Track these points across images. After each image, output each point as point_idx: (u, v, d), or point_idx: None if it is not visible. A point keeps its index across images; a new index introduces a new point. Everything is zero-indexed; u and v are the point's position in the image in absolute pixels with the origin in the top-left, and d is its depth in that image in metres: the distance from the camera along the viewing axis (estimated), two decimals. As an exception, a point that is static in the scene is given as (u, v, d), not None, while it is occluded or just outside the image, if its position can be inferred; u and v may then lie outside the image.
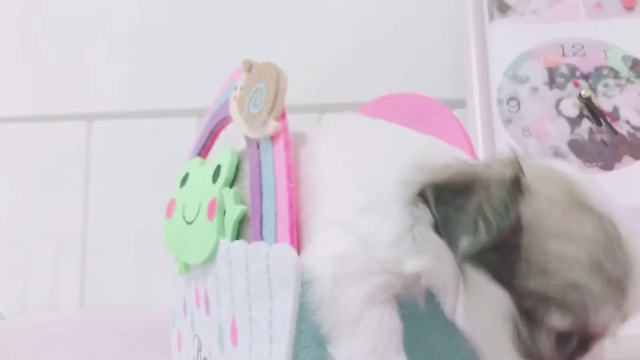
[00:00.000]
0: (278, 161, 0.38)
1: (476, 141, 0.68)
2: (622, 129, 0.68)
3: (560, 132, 0.69)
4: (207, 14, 0.94)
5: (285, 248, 0.36)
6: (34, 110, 0.99)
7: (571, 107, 0.70)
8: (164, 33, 0.95)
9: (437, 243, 0.34)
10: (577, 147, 0.68)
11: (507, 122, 0.71)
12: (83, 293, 0.93)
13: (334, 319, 0.35)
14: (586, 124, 0.69)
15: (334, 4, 0.90)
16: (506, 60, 0.73)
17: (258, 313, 0.38)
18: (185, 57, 0.94)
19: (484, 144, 0.69)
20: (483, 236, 0.31)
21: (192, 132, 0.83)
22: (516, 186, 0.32)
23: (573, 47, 0.72)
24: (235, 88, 0.45)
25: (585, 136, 0.68)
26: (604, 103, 0.69)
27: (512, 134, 0.70)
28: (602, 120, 0.68)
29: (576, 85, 0.70)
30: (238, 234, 0.41)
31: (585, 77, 0.71)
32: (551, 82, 0.71)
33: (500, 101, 0.72)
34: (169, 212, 0.50)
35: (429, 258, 0.34)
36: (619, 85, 0.69)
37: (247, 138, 0.42)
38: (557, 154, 0.67)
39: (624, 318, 0.32)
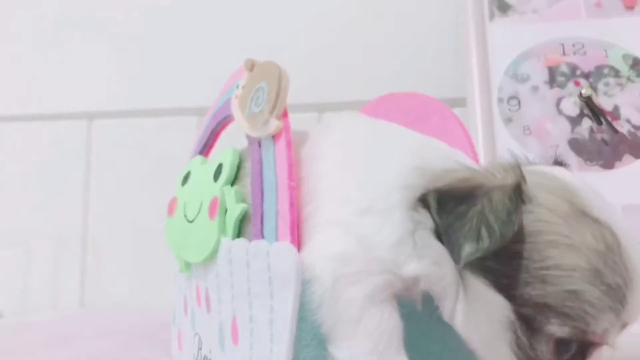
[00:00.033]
0: (279, 160, 0.38)
1: (476, 140, 0.68)
2: (623, 128, 0.68)
3: (560, 131, 0.69)
4: (208, 13, 0.94)
5: (286, 246, 0.36)
6: (34, 109, 0.99)
7: (572, 106, 0.70)
8: (165, 32, 0.95)
9: (438, 249, 0.34)
10: (577, 146, 0.68)
11: (508, 121, 0.71)
12: (83, 292, 0.93)
13: (334, 318, 0.35)
14: (587, 123, 0.69)
15: (334, 2, 0.90)
16: (506, 59, 0.73)
17: (259, 311, 0.38)
18: (185, 55, 0.94)
19: (484, 143, 0.69)
20: (486, 243, 0.31)
21: (193, 131, 0.83)
22: (518, 194, 0.32)
23: (573, 46, 0.72)
24: (237, 87, 0.45)
25: (586, 135, 0.68)
26: (604, 102, 0.69)
27: (513, 133, 0.70)
28: (602, 119, 0.68)
29: (577, 84, 0.70)
30: (239, 233, 0.41)
31: (586, 76, 0.71)
32: (552, 81, 0.71)
33: (500, 100, 0.72)
34: (170, 210, 0.50)
35: (428, 263, 0.34)
36: (620, 84, 0.69)
37: (248, 137, 0.42)
38: (557, 153, 0.67)
39: (623, 326, 0.32)
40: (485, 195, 0.32)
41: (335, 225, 0.36)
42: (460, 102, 0.73)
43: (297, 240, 0.36)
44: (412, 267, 0.35)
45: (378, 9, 0.88)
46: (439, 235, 0.34)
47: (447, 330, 0.35)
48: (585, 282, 0.31)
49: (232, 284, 0.40)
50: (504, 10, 0.76)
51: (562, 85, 0.71)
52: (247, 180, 0.42)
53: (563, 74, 0.71)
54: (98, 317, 0.78)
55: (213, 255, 0.42)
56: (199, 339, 0.46)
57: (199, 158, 0.51)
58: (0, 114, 1.00)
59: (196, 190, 0.47)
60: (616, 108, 0.69)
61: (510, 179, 0.33)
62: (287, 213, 0.36)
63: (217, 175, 0.44)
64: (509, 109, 0.71)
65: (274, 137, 0.39)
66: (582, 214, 0.32)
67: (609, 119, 0.68)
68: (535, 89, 0.71)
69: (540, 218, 0.32)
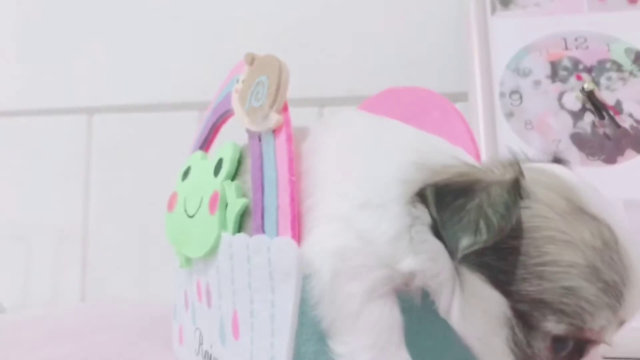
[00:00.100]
0: (280, 154, 0.38)
1: (478, 135, 0.68)
2: (625, 122, 0.67)
3: (562, 126, 0.69)
4: (209, 7, 0.93)
5: (286, 241, 0.36)
6: (34, 104, 0.99)
7: (574, 101, 0.70)
8: (165, 26, 0.95)
9: (434, 244, 0.34)
10: (579, 141, 0.68)
11: (509, 115, 0.70)
12: (84, 286, 0.93)
13: (334, 314, 0.35)
14: (589, 117, 0.68)
15: (335, -3, 0.90)
16: (508, 53, 0.73)
17: (259, 306, 0.38)
18: (186, 50, 0.94)
19: (486, 137, 0.69)
20: (484, 236, 0.31)
21: (193, 125, 0.83)
22: (516, 189, 0.32)
23: (576, 40, 0.72)
24: (237, 81, 0.44)
25: (588, 130, 0.68)
26: (606, 96, 0.69)
27: (514, 128, 0.70)
28: (604, 114, 0.68)
29: (579, 78, 0.70)
30: (240, 227, 0.41)
31: (588, 70, 0.70)
32: (554, 76, 0.71)
33: (502, 94, 0.71)
34: (171, 205, 0.50)
35: (424, 258, 0.34)
36: (622, 79, 0.69)
37: (248, 131, 0.41)
38: (557, 149, 0.67)
39: (621, 324, 0.32)
40: (483, 190, 0.32)
41: (334, 219, 0.36)
42: (462, 96, 0.73)
43: (298, 235, 0.36)
44: (408, 263, 0.34)
45: (379, 3, 0.88)
46: (436, 230, 0.33)
47: (444, 325, 0.35)
48: (582, 278, 0.31)
49: (232, 279, 0.40)
50: (506, 4, 0.75)
51: (564, 80, 0.71)
52: (247, 176, 0.42)
53: (565, 68, 0.71)
54: (99, 312, 0.78)
55: (214, 250, 0.42)
56: (200, 333, 0.46)
57: (199, 153, 0.51)
58: (1, 109, 1.00)
59: (196, 185, 0.47)
60: (618, 102, 0.68)
61: (508, 175, 0.33)
62: (288, 208, 0.36)
63: (217, 170, 0.44)
64: (511, 104, 0.71)
65: (275, 131, 0.38)
66: (580, 211, 0.32)
67: (612, 113, 0.68)
68: (537, 83, 0.71)
69: (538, 214, 0.32)
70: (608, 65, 0.70)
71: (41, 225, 0.95)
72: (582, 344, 0.32)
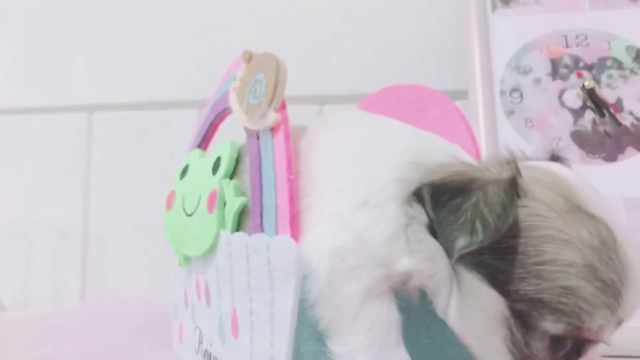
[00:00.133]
0: (278, 153, 0.37)
1: (478, 133, 0.68)
2: (626, 120, 0.67)
3: (563, 124, 0.69)
4: (208, 4, 0.93)
5: (285, 240, 0.36)
6: (35, 102, 0.99)
7: (574, 98, 0.69)
8: (164, 24, 0.95)
9: (431, 244, 0.34)
10: (580, 139, 0.67)
11: (510, 113, 0.70)
12: (84, 285, 0.94)
13: (332, 314, 0.34)
14: (589, 115, 0.68)
15: (335, -6, 0.89)
16: (509, 51, 0.73)
17: (259, 305, 0.38)
18: (185, 48, 0.93)
19: (486, 135, 0.69)
20: (480, 236, 0.31)
21: (193, 123, 0.83)
22: (513, 188, 0.32)
23: (577, 37, 0.72)
24: (235, 79, 0.44)
25: (589, 127, 0.68)
26: (607, 94, 0.69)
27: (515, 126, 0.69)
28: (605, 112, 0.68)
29: (579, 76, 0.70)
30: (238, 226, 0.41)
31: (589, 67, 0.70)
32: (554, 73, 0.71)
33: (502, 92, 0.71)
34: (169, 204, 0.50)
35: (421, 258, 0.34)
36: (623, 76, 0.69)
37: (246, 130, 0.41)
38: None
39: (619, 323, 0.32)
40: (480, 189, 0.32)
41: (331, 219, 0.36)
42: (462, 94, 0.73)
43: (297, 234, 0.36)
44: (404, 263, 0.34)
45: (380, 1, 0.88)
46: (433, 230, 0.33)
47: (443, 324, 0.35)
48: (580, 278, 0.30)
49: (231, 278, 0.40)
50: (506, 2, 0.75)
51: (564, 77, 0.70)
52: (246, 176, 0.41)
53: (566, 66, 0.71)
54: (99, 311, 0.78)
55: (212, 249, 0.42)
56: (200, 332, 0.46)
57: (197, 151, 0.51)
58: (2, 107, 1.00)
59: (195, 184, 0.47)
60: (619, 100, 0.68)
61: (505, 173, 0.33)
62: (287, 207, 0.36)
63: (215, 168, 0.44)
64: (511, 101, 0.71)
65: (273, 129, 0.38)
66: (577, 210, 0.32)
67: (612, 111, 0.68)
68: (537, 81, 0.71)
69: (536, 212, 0.32)
70: (609, 62, 0.70)
71: (41, 224, 0.96)
72: (581, 343, 0.32)
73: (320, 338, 0.35)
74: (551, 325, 0.31)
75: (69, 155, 0.96)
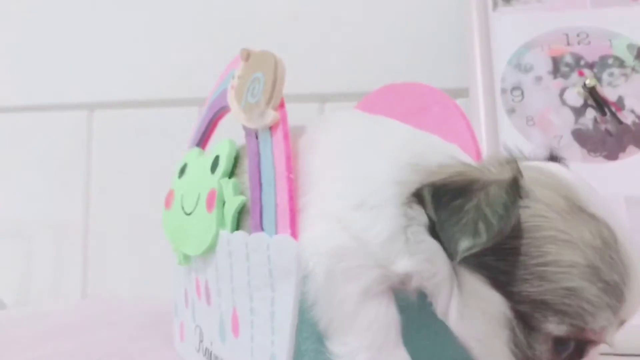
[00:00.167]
0: (277, 152, 0.37)
1: (479, 131, 0.68)
2: (627, 118, 0.67)
3: (564, 122, 0.68)
4: (208, 2, 0.93)
5: (286, 239, 0.36)
6: (35, 100, 0.99)
7: (575, 97, 0.69)
8: (165, 21, 0.95)
9: (431, 245, 0.33)
10: (581, 137, 0.67)
11: (511, 111, 0.70)
12: (85, 282, 0.94)
13: (331, 315, 0.34)
14: (590, 113, 0.68)
15: (336, -8, 0.89)
16: (510, 49, 0.73)
17: (259, 304, 0.38)
18: (186, 45, 0.93)
19: (487, 134, 0.68)
20: (483, 238, 0.30)
21: (194, 121, 0.82)
22: (515, 188, 0.32)
23: (578, 35, 0.72)
24: (233, 77, 0.44)
25: (590, 126, 0.68)
26: (608, 92, 0.68)
27: (516, 124, 0.69)
28: (606, 110, 0.68)
29: (581, 74, 0.70)
30: (237, 225, 0.41)
31: (590, 66, 0.70)
32: (555, 71, 0.71)
33: (503, 90, 0.71)
34: (168, 203, 0.50)
35: (420, 259, 0.34)
36: (624, 75, 0.69)
37: (245, 128, 0.41)
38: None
39: (621, 323, 0.32)
40: (481, 190, 0.32)
41: (328, 219, 0.36)
42: (463, 92, 0.73)
43: (297, 233, 0.36)
44: (403, 264, 0.34)
45: (380, -1, 0.88)
46: (433, 231, 0.33)
47: (442, 325, 0.35)
48: (583, 279, 0.30)
49: (231, 277, 0.40)
50: (507, 0, 0.75)
51: (566, 76, 0.70)
52: (245, 177, 0.41)
53: (567, 64, 0.71)
54: (99, 308, 0.78)
55: (212, 248, 0.42)
56: (200, 331, 0.46)
57: (196, 150, 0.51)
58: (1, 104, 1.00)
59: (193, 183, 0.47)
60: (620, 99, 0.68)
61: (506, 174, 0.33)
62: (287, 206, 0.36)
63: (214, 167, 0.44)
64: (512, 100, 0.71)
65: (271, 128, 0.38)
66: (578, 210, 0.32)
67: (613, 109, 0.68)
68: (538, 79, 0.71)
69: (538, 213, 0.32)
70: (610, 61, 0.70)
71: (42, 222, 0.96)
72: (583, 344, 0.32)
73: (320, 337, 0.35)
74: (554, 327, 0.31)
75: (69, 152, 0.96)
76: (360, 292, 0.34)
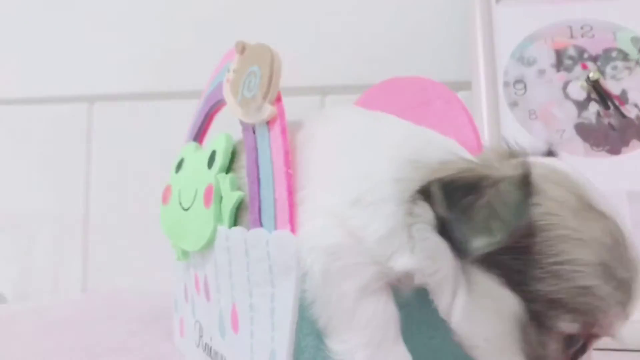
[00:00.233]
0: (275, 147, 0.37)
1: (482, 125, 0.68)
2: (630, 112, 0.67)
3: (567, 116, 0.68)
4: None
5: (285, 235, 0.35)
6: (35, 92, 0.98)
7: (579, 90, 0.69)
8: (165, 14, 0.94)
9: (435, 242, 0.33)
10: (584, 131, 0.67)
11: (513, 105, 0.70)
12: (85, 276, 0.94)
13: (329, 312, 0.34)
14: (594, 107, 0.68)
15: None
16: (513, 41, 0.72)
17: (259, 300, 0.37)
18: (186, 38, 0.93)
19: (489, 127, 0.68)
20: (497, 236, 0.30)
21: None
22: (527, 186, 0.31)
23: (582, 28, 0.71)
24: (228, 70, 0.43)
25: (593, 120, 0.67)
26: (612, 86, 0.68)
27: (518, 117, 0.69)
28: (610, 104, 0.67)
29: (584, 67, 0.69)
30: (235, 221, 0.41)
31: (594, 59, 0.69)
32: (559, 64, 0.70)
33: (506, 84, 0.71)
34: (165, 198, 0.49)
35: (422, 257, 0.34)
36: (628, 68, 0.68)
37: (242, 123, 0.41)
38: (563, 138, 0.66)
39: (627, 317, 0.32)
40: (492, 187, 0.31)
41: (326, 214, 0.36)
42: (466, 85, 0.73)
43: (296, 229, 0.36)
44: (404, 261, 0.34)
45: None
46: (439, 228, 0.33)
47: (441, 322, 0.35)
48: (597, 277, 0.30)
49: (230, 273, 0.40)
50: (510, -8, 0.74)
51: (569, 69, 0.70)
52: (242, 171, 0.41)
53: (570, 57, 0.70)
54: (100, 302, 0.78)
55: (210, 243, 0.42)
56: (200, 326, 0.46)
57: (193, 144, 0.50)
58: (1, 97, 0.99)
59: (190, 178, 0.47)
60: (624, 92, 0.67)
61: (515, 170, 0.32)
62: (286, 201, 0.36)
63: (211, 162, 0.44)
64: (515, 93, 0.70)
65: (269, 123, 0.38)
66: (589, 208, 0.32)
67: (617, 103, 0.67)
68: (541, 72, 0.70)
69: (550, 211, 0.31)
70: (614, 54, 0.69)
71: (42, 215, 0.95)
72: (588, 338, 0.32)
73: (320, 334, 0.35)
74: (567, 325, 0.31)
75: (70, 145, 0.96)
76: (358, 290, 0.34)
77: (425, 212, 0.33)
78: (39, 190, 0.96)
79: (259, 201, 0.38)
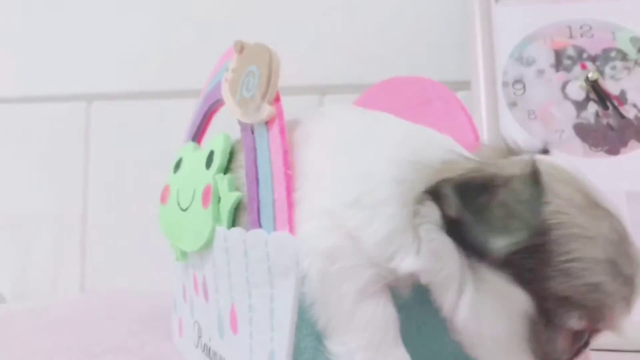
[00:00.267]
0: (274, 147, 0.37)
1: (480, 125, 0.68)
2: (629, 113, 0.67)
3: (565, 116, 0.68)
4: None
5: (285, 236, 0.35)
6: (33, 91, 0.98)
7: (577, 90, 0.69)
8: (163, 13, 0.94)
9: (442, 242, 0.33)
10: (582, 131, 0.67)
11: (512, 105, 0.70)
12: (84, 276, 0.93)
13: (328, 315, 0.34)
14: (592, 107, 0.68)
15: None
16: (512, 41, 0.72)
17: (258, 301, 0.37)
18: (184, 37, 0.93)
19: (488, 127, 0.68)
20: (517, 236, 0.30)
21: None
22: (537, 184, 0.31)
23: (581, 28, 0.71)
24: (227, 70, 0.43)
25: (592, 120, 0.67)
26: (611, 86, 0.68)
27: (517, 117, 0.69)
28: (608, 104, 0.67)
29: (583, 67, 0.69)
30: (233, 221, 0.40)
31: (593, 59, 0.69)
32: (558, 64, 0.70)
33: (505, 84, 0.71)
34: (163, 198, 0.49)
35: (428, 257, 0.33)
36: (627, 68, 0.68)
37: (240, 123, 0.41)
38: (562, 138, 0.66)
39: (630, 312, 0.32)
40: (504, 186, 0.31)
41: (323, 214, 0.35)
42: (465, 85, 0.72)
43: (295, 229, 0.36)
44: (408, 263, 0.34)
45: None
46: (447, 229, 0.32)
47: (441, 323, 0.35)
48: (606, 274, 0.31)
49: (229, 273, 0.40)
50: (509, -8, 0.74)
51: (568, 69, 0.70)
52: (240, 172, 0.41)
53: (569, 57, 0.70)
54: (98, 302, 0.78)
55: (208, 244, 0.42)
56: (199, 326, 0.46)
57: (191, 144, 0.50)
58: (1, 95, 0.99)
59: (189, 178, 0.47)
60: (623, 93, 0.67)
61: (522, 168, 0.32)
62: (285, 202, 0.36)
63: (209, 162, 0.44)
64: (514, 93, 0.70)
65: (267, 123, 0.38)
66: (595, 205, 0.32)
67: (616, 103, 0.67)
68: (540, 72, 0.70)
69: (560, 210, 0.31)
70: (613, 54, 0.69)
71: (40, 215, 0.95)
72: (591, 333, 0.33)
73: (319, 336, 0.35)
74: (576, 322, 0.31)
75: (68, 145, 0.96)
76: (356, 292, 0.34)
77: (432, 213, 0.33)
78: (36, 190, 0.96)
79: (258, 202, 0.38)
